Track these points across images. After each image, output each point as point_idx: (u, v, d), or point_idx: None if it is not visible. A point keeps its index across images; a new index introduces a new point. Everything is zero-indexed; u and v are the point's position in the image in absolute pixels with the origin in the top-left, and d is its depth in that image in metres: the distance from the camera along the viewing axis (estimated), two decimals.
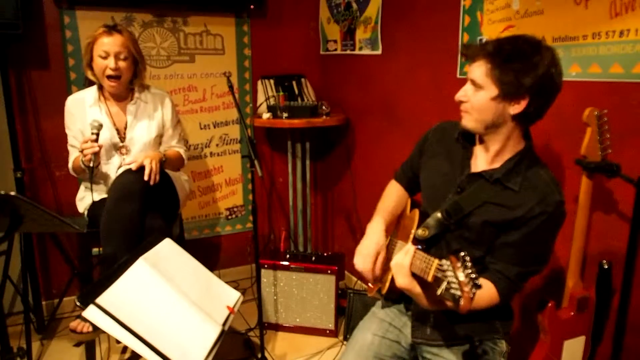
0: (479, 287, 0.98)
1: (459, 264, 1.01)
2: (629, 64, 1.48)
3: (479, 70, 1.24)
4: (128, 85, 2.08)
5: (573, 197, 1.58)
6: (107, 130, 2.05)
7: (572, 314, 1.56)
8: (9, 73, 2.37)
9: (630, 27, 1.46)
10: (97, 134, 1.90)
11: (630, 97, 1.50)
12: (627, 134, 1.51)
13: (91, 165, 1.87)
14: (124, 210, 1.81)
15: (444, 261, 1.05)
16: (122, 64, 1.98)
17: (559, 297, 1.60)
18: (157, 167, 1.93)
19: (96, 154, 1.88)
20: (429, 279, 1.08)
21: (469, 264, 1.00)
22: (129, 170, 1.91)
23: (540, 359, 1.55)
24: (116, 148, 2.09)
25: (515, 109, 1.22)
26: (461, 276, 0.98)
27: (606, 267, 1.44)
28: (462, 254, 1.02)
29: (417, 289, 1.17)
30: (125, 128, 2.11)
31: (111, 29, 1.98)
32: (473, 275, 0.99)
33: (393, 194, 1.62)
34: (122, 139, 2.10)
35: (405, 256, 1.17)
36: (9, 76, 2.38)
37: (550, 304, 1.54)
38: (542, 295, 1.67)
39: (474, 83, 1.26)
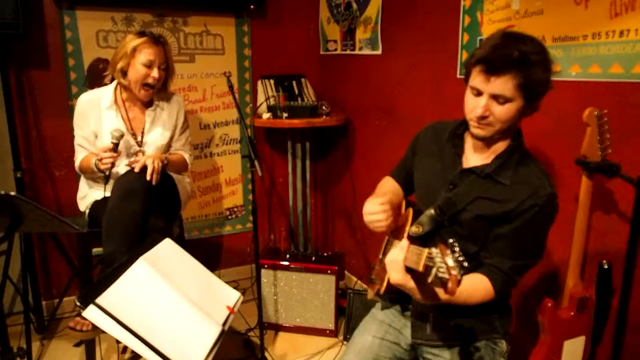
0: (466, 268, 0.99)
1: (447, 251, 1.02)
2: (629, 64, 1.48)
3: (508, 83, 1.18)
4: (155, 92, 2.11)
5: (573, 197, 1.58)
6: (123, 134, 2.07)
7: (572, 314, 1.56)
8: (9, 73, 2.37)
9: (630, 27, 1.46)
10: (117, 144, 1.93)
11: (630, 97, 1.50)
12: (627, 134, 1.51)
13: (107, 173, 1.92)
14: (127, 210, 1.81)
15: (433, 249, 1.06)
16: (162, 74, 2.05)
17: (559, 297, 1.60)
18: (159, 166, 1.93)
19: (113, 164, 1.92)
20: (420, 268, 1.09)
21: (457, 249, 1.02)
22: (132, 170, 1.91)
23: (540, 359, 1.55)
24: (130, 153, 2.09)
25: (528, 112, 1.25)
26: (450, 261, 1.00)
27: (606, 267, 1.44)
28: (451, 240, 1.04)
29: (410, 283, 1.16)
30: (142, 133, 2.12)
31: (157, 39, 2.02)
32: (461, 259, 1.00)
33: (388, 183, 1.63)
34: (138, 143, 2.11)
35: (399, 251, 1.17)
36: (9, 76, 2.38)
37: (550, 304, 1.54)
38: (542, 295, 1.67)
39: (499, 97, 1.20)
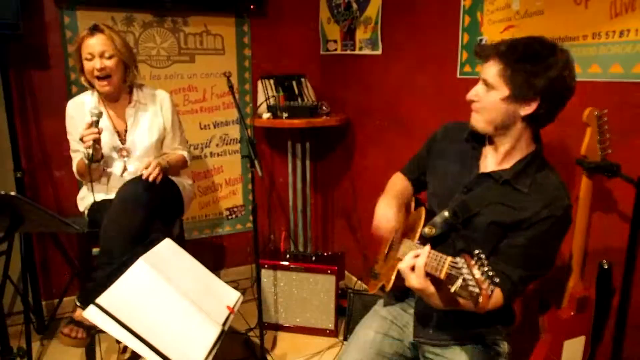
0: (496, 283, 0.98)
1: (473, 262, 1.01)
2: (629, 64, 1.48)
3: (491, 70, 1.23)
4: (121, 85, 2.05)
5: (573, 197, 1.58)
6: (108, 133, 2.04)
7: (572, 314, 1.56)
8: (9, 73, 2.37)
9: (630, 27, 1.46)
10: (97, 121, 1.89)
11: (630, 97, 1.50)
12: (627, 134, 1.51)
13: (91, 151, 1.85)
14: (129, 220, 1.78)
15: (457, 259, 1.04)
16: (107, 62, 1.95)
17: (559, 297, 1.60)
18: (158, 169, 1.93)
19: (97, 143, 1.87)
20: (442, 276, 1.07)
21: (485, 262, 1.00)
22: (135, 180, 1.90)
23: (540, 359, 1.55)
24: (117, 151, 2.08)
25: (526, 110, 1.22)
26: (477, 273, 0.98)
27: (606, 267, 1.44)
28: (477, 251, 1.02)
29: (431, 288, 1.15)
30: (126, 131, 2.09)
31: (93, 30, 1.95)
32: (490, 273, 0.98)
33: (399, 181, 1.61)
34: (123, 141, 2.09)
35: (420, 257, 1.15)
36: (9, 76, 2.37)
37: (550, 304, 1.54)
38: (543, 295, 1.67)
39: (485, 83, 1.25)
